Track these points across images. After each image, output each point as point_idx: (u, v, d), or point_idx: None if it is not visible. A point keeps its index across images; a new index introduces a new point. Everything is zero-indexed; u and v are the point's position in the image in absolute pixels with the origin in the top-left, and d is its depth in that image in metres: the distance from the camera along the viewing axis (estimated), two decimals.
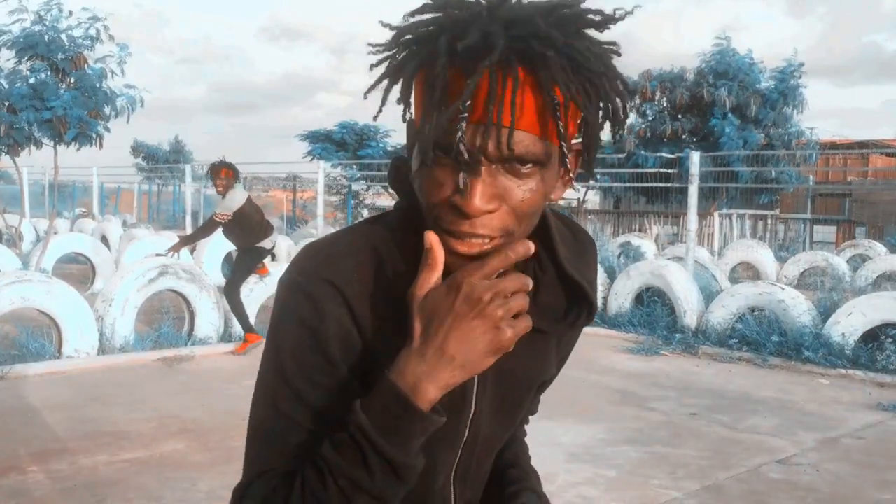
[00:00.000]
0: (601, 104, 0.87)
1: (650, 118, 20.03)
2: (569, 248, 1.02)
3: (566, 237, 1.04)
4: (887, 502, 4.10)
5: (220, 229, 7.14)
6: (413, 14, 0.88)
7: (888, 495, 4.18)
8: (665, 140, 18.97)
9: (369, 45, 0.90)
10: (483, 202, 0.83)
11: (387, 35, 0.88)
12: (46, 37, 8.98)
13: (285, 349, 0.95)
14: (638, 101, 19.90)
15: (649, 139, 19.39)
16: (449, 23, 0.84)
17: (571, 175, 0.91)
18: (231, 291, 7.11)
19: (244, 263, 7.29)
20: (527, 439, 1.29)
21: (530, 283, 0.86)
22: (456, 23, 0.83)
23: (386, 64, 0.88)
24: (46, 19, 9.04)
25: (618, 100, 0.87)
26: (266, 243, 7.24)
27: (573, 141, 0.89)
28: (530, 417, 1.26)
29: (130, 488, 3.95)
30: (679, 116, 19.29)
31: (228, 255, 8.40)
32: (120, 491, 3.91)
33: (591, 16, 0.85)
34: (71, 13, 9.15)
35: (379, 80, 0.88)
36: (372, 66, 0.90)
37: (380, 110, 0.90)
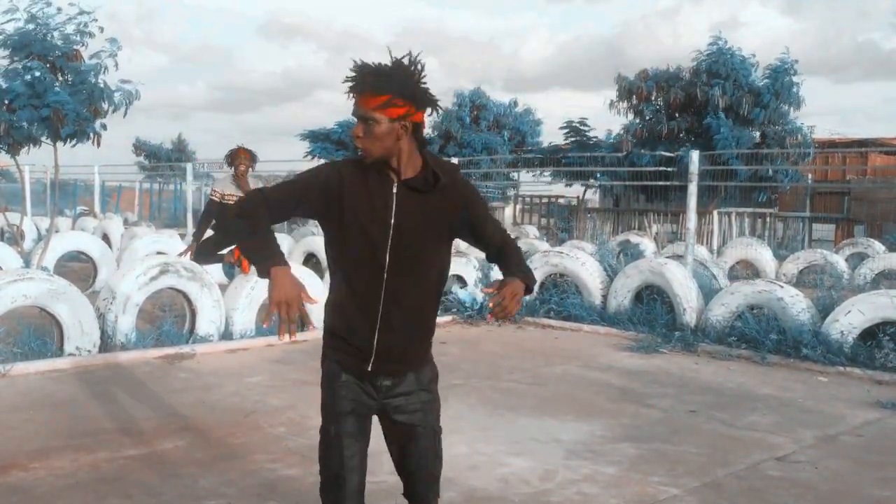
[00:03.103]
0: (411, 99, 2.28)
1: (647, 118, 20.00)
2: (440, 166, 2.41)
3: (439, 162, 2.43)
4: (886, 499, 4.12)
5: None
6: (352, 70, 2.30)
7: (887, 492, 4.20)
8: (662, 139, 18.95)
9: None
10: (359, 133, 2.31)
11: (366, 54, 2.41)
12: (40, 35, 8.97)
13: (300, 176, 2.43)
14: (635, 100, 19.86)
15: (647, 139, 19.37)
16: (354, 74, 2.30)
17: (405, 125, 2.30)
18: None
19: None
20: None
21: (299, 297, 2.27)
22: (355, 73, 2.29)
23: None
24: (38, 17, 9.03)
25: (419, 97, 2.30)
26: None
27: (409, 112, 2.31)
28: (511, 244, 2.61)
29: (132, 485, 3.97)
30: (675, 116, 19.26)
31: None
32: (121, 488, 3.93)
33: (403, 66, 2.29)
34: (60, 10, 9.14)
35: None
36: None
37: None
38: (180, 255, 7.72)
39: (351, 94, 2.31)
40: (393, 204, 2.33)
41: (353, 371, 2.45)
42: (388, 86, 2.25)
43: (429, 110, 2.36)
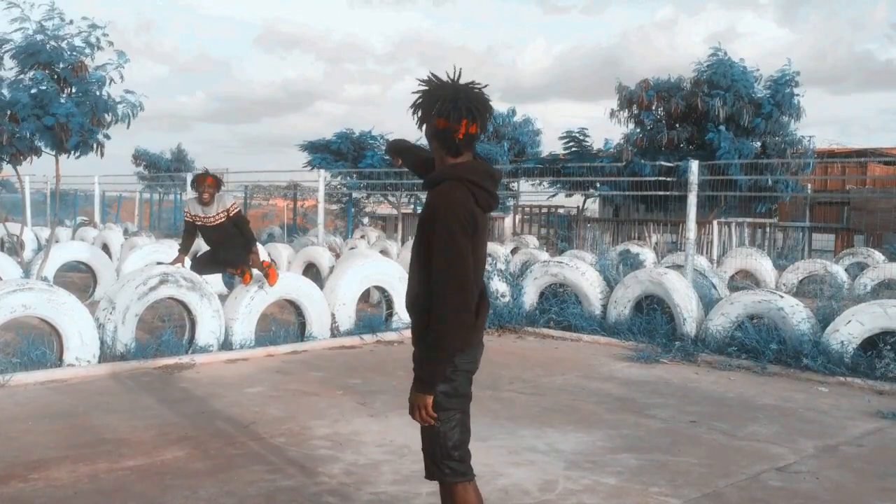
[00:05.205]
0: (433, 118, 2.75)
1: (648, 127, 20.03)
2: (436, 172, 2.82)
3: (441, 169, 2.78)
4: None
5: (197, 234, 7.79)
6: (423, 83, 2.78)
7: (888, 503, 4.19)
8: (662, 149, 18.96)
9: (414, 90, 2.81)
10: None
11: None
12: (48, 46, 9.01)
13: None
14: (636, 109, 19.89)
15: (647, 148, 19.39)
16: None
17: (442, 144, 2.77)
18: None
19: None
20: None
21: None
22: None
23: (416, 104, 2.79)
24: (48, 28, 9.07)
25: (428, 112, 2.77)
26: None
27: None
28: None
29: (131, 496, 3.96)
30: (676, 125, 19.28)
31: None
32: (120, 499, 3.92)
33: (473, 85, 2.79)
34: (72, 21, 9.18)
35: (415, 111, 2.80)
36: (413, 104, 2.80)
37: (417, 123, 2.83)
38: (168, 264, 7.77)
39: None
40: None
41: None
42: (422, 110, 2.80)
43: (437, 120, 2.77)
